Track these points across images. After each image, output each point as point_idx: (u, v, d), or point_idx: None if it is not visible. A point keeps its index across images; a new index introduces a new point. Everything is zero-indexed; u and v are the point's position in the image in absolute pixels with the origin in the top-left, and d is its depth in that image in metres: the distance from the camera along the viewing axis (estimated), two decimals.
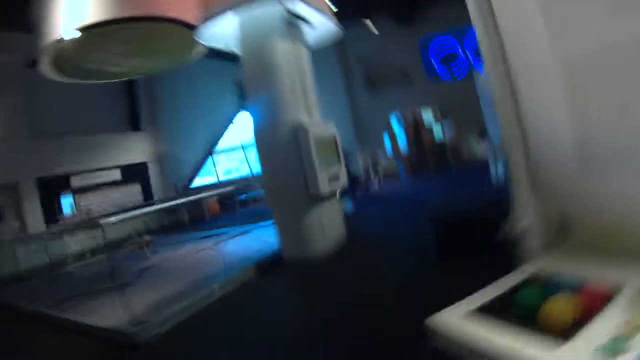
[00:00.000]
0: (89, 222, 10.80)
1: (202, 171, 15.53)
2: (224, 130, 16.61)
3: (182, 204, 12.92)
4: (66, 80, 9.22)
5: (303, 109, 5.85)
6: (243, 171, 15.84)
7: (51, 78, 6.73)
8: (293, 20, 5.78)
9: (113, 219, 4.67)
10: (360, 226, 7.20)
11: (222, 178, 15.44)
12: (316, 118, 6.12)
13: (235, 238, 8.32)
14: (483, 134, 9.02)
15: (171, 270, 6.75)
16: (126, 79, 10.88)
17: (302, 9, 5.78)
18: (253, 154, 15.89)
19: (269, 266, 5.59)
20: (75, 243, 10.69)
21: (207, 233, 9.57)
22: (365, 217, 8.35)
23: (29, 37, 7.25)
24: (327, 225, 5.82)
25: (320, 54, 15.00)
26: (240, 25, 5.84)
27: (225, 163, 16.02)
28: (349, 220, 6.84)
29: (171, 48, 7.58)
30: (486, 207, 4.14)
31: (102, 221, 4.58)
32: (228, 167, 16.12)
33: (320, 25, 6.45)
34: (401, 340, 2.88)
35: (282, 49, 5.69)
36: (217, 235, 9.10)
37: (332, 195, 5.95)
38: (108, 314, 4.50)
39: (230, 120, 16.69)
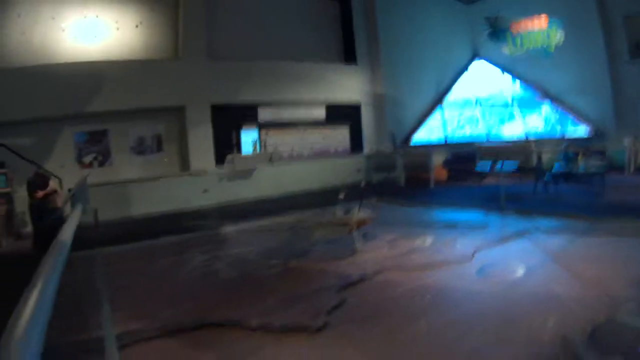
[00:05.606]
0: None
1: (426, 125, 12.15)
2: (456, 79, 12.85)
3: (402, 161, 9.62)
4: None
5: None
6: (481, 132, 11.60)
7: None
8: None
9: None
10: None
11: (452, 137, 12.06)
12: None
13: (502, 244, 4.70)
14: None
15: (414, 303, 3.19)
16: None
17: None
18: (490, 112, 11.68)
19: None
20: (235, 192, 8.37)
21: (451, 218, 6.21)
22: None
23: None
24: None
25: (577, 11, 10.71)
26: None
27: (456, 119, 12.11)
28: None
29: None
30: None
31: None
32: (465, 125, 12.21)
33: None
34: None
35: None
36: (468, 228, 5.48)
37: None
38: None
39: (463, 68, 12.60)
